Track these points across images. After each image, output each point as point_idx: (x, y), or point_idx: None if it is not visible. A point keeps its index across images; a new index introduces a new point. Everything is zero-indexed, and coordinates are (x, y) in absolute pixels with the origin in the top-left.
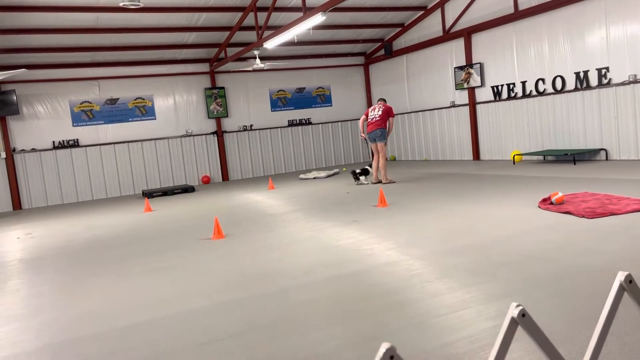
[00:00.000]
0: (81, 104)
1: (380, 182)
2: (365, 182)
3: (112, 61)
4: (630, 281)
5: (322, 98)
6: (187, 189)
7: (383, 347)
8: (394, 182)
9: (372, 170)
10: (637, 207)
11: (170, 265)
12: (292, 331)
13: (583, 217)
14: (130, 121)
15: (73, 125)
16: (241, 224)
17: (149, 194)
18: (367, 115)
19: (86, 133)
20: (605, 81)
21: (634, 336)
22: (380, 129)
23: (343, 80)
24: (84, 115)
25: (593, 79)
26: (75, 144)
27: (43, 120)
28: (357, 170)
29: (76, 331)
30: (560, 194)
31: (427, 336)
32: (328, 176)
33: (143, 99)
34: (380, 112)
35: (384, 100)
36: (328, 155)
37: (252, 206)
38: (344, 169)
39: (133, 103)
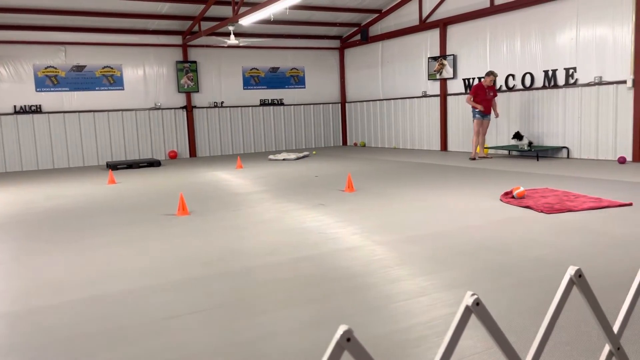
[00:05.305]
0: (46, 68)
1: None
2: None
3: (80, 26)
4: (580, 275)
5: (296, 79)
6: (153, 163)
7: (340, 329)
8: (475, 159)
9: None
10: (593, 204)
11: (132, 239)
12: (253, 310)
13: (542, 212)
14: (97, 90)
15: (36, 90)
16: (207, 202)
17: (113, 166)
18: None
19: (50, 99)
20: (572, 81)
21: (583, 328)
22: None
23: (318, 62)
24: (48, 80)
25: (560, 78)
26: (37, 110)
27: (4, 83)
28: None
29: (33, 301)
30: (521, 189)
31: (384, 320)
32: (298, 158)
33: (111, 68)
34: None
35: (488, 74)
36: (299, 138)
37: (219, 184)
38: (314, 152)
39: (101, 72)
